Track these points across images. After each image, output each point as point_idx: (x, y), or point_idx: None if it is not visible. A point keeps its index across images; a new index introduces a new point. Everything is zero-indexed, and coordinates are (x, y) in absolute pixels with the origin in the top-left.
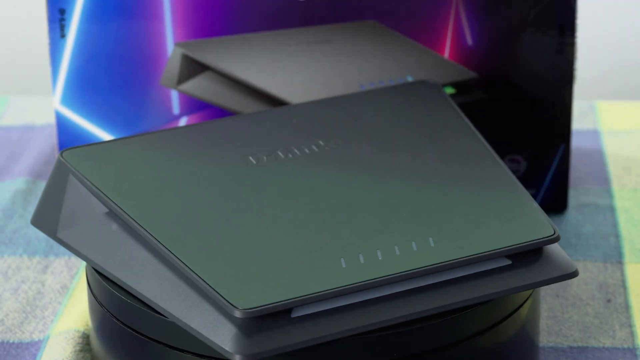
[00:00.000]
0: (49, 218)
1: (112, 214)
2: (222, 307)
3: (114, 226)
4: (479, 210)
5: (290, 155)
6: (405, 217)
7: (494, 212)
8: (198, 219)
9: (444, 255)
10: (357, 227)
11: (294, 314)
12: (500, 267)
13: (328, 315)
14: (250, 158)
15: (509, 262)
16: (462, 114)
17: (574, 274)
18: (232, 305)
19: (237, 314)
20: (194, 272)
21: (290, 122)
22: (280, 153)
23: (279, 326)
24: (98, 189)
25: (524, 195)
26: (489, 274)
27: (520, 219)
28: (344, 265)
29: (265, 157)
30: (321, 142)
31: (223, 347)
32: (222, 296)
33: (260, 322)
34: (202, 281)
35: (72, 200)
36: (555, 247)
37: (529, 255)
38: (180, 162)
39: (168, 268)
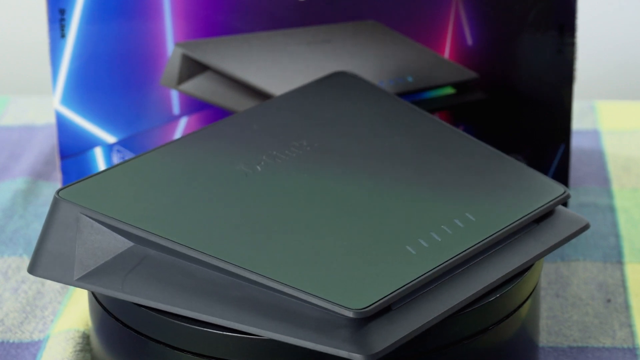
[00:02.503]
0: (58, 263)
1: (145, 246)
2: (331, 312)
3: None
4: (487, 182)
5: (279, 160)
6: (428, 200)
7: (501, 181)
8: (247, 232)
9: (489, 227)
10: (395, 217)
11: (394, 306)
12: (530, 230)
13: (421, 302)
14: (243, 168)
15: (536, 225)
16: (398, 98)
17: (587, 226)
18: (345, 307)
19: (352, 314)
20: (287, 285)
21: (250, 128)
22: (267, 159)
23: (387, 320)
24: (126, 223)
25: (515, 161)
26: (528, 238)
27: (529, 183)
28: (413, 252)
29: (257, 166)
30: (296, 143)
31: (347, 351)
32: (331, 301)
33: (368, 320)
34: (301, 292)
35: (88, 240)
36: (560, 206)
37: (547, 215)
38: (182, 182)
39: (227, 290)
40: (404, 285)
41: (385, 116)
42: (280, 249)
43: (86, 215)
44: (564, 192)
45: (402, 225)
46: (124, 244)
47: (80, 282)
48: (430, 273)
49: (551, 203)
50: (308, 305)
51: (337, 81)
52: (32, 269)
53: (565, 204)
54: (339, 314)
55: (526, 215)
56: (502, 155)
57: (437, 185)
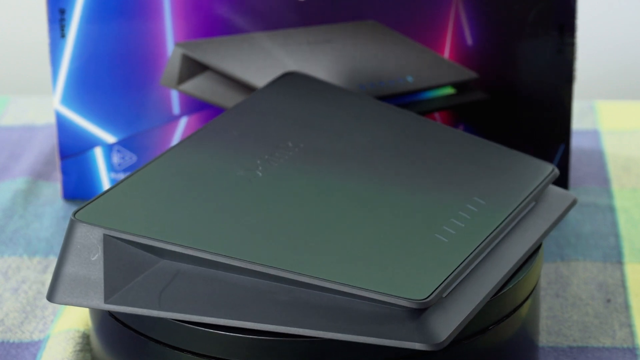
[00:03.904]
0: (82, 288)
1: (177, 261)
2: (388, 306)
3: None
4: (479, 166)
5: (274, 163)
6: (433, 189)
7: (492, 164)
8: (283, 236)
9: (503, 208)
10: (412, 208)
11: (444, 294)
12: (532, 208)
13: (466, 286)
14: (243, 174)
15: (534, 202)
16: (357, 92)
17: (575, 201)
18: (407, 299)
19: (416, 305)
20: (344, 283)
21: (232, 134)
22: (262, 163)
23: (442, 309)
24: (161, 240)
25: (495, 144)
26: (532, 215)
27: (519, 164)
28: (445, 240)
29: (257, 171)
30: (282, 145)
31: (414, 342)
32: (392, 294)
33: (423, 311)
34: (359, 288)
35: (114, 261)
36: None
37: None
38: (194, 192)
39: (275, 295)
40: (452, 272)
41: (354, 111)
42: (320, 249)
43: (110, 236)
44: (553, 169)
45: (422, 216)
46: (153, 260)
47: (111, 305)
48: (471, 257)
49: (547, 180)
50: (359, 301)
51: (291, 81)
52: (52, 296)
53: (563, 183)
54: (400, 306)
55: (530, 194)
56: (481, 140)
57: (435, 174)
